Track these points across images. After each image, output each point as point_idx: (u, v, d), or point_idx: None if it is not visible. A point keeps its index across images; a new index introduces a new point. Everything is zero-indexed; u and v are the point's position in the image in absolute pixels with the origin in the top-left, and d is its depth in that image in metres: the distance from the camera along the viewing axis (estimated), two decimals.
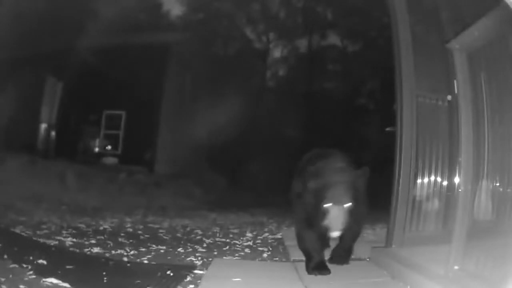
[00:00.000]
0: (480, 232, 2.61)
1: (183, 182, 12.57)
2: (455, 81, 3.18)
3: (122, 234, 4.74)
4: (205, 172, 14.16)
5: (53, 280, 2.67)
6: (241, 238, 4.92)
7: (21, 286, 2.54)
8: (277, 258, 3.80)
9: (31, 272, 2.80)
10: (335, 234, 2.79)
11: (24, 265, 2.93)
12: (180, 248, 4.04)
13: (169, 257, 3.68)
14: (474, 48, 2.69)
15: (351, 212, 2.84)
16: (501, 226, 2.44)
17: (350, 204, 2.77)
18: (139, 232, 5.08)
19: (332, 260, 3.34)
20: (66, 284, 2.64)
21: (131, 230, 5.21)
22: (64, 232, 4.58)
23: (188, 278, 2.97)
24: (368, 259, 3.63)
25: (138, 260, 3.53)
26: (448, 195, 3.72)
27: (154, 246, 4.09)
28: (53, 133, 14.88)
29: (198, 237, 4.91)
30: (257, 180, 14.69)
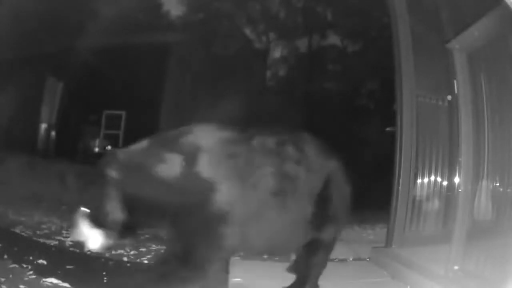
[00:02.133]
0: (480, 232, 2.62)
1: None
2: (455, 81, 3.18)
3: None
4: None
5: (53, 280, 2.67)
6: None
7: (21, 286, 2.54)
8: (277, 258, 3.79)
9: (31, 272, 2.80)
10: (91, 246, 2.11)
11: (24, 265, 2.93)
12: None
13: None
14: (474, 48, 2.69)
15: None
16: (501, 226, 2.44)
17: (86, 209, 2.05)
18: (139, 232, 5.07)
19: None
20: (66, 284, 2.64)
21: None
22: (64, 232, 4.57)
23: None
24: (368, 259, 3.62)
25: (138, 260, 3.53)
26: (448, 195, 3.72)
27: (154, 246, 4.08)
28: (53, 133, 14.87)
29: None
30: None
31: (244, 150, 2.25)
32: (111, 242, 2.11)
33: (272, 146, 2.32)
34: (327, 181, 2.42)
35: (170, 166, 2.10)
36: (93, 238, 2.07)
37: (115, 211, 2.04)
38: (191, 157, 2.12)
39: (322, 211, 2.38)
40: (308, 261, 2.53)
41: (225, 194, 2.13)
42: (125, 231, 2.11)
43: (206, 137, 2.23)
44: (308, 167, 2.36)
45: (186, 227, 2.10)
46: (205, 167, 2.12)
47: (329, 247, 2.54)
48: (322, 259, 2.54)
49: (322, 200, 2.39)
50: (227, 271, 2.47)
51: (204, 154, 2.14)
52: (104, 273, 2.96)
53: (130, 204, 2.06)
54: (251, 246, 2.37)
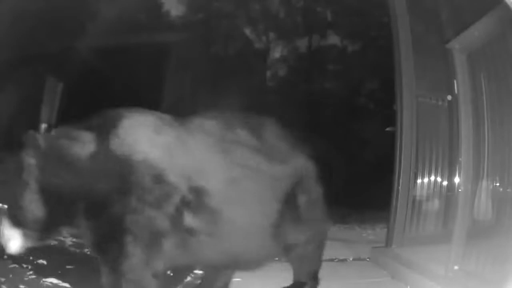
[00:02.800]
0: (480, 232, 2.62)
1: None
2: (455, 81, 3.18)
3: None
4: None
5: (53, 280, 2.67)
6: None
7: (21, 286, 2.54)
8: (277, 258, 3.79)
9: (31, 272, 2.79)
10: (11, 249, 1.91)
11: (24, 265, 2.93)
12: None
13: None
14: (474, 48, 2.69)
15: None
16: (501, 226, 2.44)
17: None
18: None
19: None
20: (66, 284, 2.64)
21: None
22: (64, 232, 4.56)
23: (188, 278, 2.97)
24: (368, 259, 3.62)
25: None
26: (448, 195, 3.72)
27: None
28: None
29: None
30: None
31: (176, 130, 1.98)
32: (32, 244, 1.91)
33: (214, 129, 2.05)
34: (297, 177, 2.15)
35: (83, 145, 1.86)
36: (13, 240, 1.85)
37: (34, 206, 1.82)
38: (105, 134, 1.88)
39: (292, 212, 2.11)
40: (296, 266, 2.36)
41: (149, 177, 1.85)
42: (46, 230, 1.90)
43: (128, 115, 1.97)
44: (270, 156, 2.08)
45: (105, 218, 1.83)
46: (120, 145, 1.86)
47: (316, 249, 2.35)
48: (311, 262, 2.36)
49: (291, 200, 2.11)
50: None
51: (121, 130, 1.88)
52: None
53: (49, 196, 1.82)
54: (201, 255, 2.03)
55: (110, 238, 1.84)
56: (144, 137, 1.91)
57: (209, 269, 2.42)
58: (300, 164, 2.19)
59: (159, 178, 1.86)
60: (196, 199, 1.91)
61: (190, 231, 1.92)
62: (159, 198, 1.85)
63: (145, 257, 1.86)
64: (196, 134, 2.01)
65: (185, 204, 1.90)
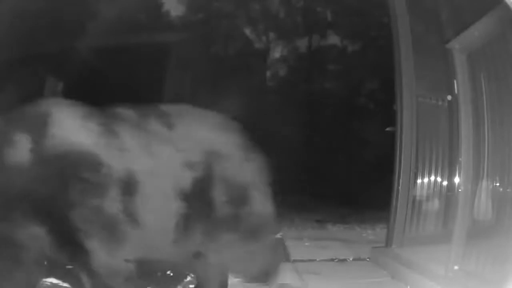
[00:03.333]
0: (480, 232, 2.62)
1: None
2: (455, 81, 3.18)
3: None
4: None
5: (53, 280, 2.67)
6: None
7: None
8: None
9: None
10: None
11: None
12: None
13: None
14: (474, 48, 2.69)
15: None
16: (501, 226, 2.44)
17: None
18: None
19: None
20: (66, 284, 2.64)
21: None
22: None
23: (188, 278, 2.97)
24: (368, 259, 3.62)
25: None
26: (448, 195, 3.72)
27: None
28: None
29: None
30: None
31: (101, 117, 1.96)
32: None
33: (132, 118, 2.02)
34: (209, 172, 2.02)
35: (19, 150, 1.79)
36: None
37: None
38: (39, 134, 1.82)
39: (206, 209, 2.01)
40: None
41: (86, 166, 1.83)
42: None
43: (55, 109, 1.92)
44: (178, 148, 2.00)
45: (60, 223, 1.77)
46: (55, 144, 1.81)
47: (262, 248, 2.22)
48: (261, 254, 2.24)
49: (202, 197, 2.00)
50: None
51: (52, 128, 1.84)
52: None
53: None
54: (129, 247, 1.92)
55: (67, 241, 1.80)
56: (75, 127, 1.89)
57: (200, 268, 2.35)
58: (216, 159, 2.07)
59: (96, 165, 1.83)
60: (132, 185, 1.87)
61: (134, 219, 1.88)
62: (100, 185, 1.81)
63: (106, 250, 1.81)
64: (119, 122, 1.98)
65: (125, 188, 1.85)
